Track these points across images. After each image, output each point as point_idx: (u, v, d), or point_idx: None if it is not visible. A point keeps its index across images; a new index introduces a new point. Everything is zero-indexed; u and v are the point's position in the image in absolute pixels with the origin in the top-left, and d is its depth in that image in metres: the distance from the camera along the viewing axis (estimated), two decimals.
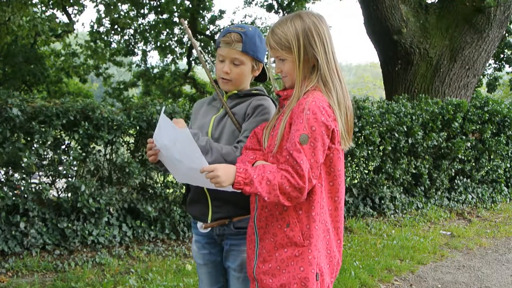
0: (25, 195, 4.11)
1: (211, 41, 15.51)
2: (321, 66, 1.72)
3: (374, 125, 5.88)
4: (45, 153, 4.28)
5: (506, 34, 11.10)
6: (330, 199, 1.75)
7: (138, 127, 4.63)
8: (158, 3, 13.52)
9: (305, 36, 1.71)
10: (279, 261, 1.71)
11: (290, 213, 1.69)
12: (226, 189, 1.68)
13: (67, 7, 13.16)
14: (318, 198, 1.68)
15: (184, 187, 5.00)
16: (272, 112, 1.96)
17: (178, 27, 14.64)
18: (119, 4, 13.08)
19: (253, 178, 1.59)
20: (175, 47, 15.22)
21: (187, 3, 13.76)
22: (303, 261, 1.68)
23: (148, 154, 1.91)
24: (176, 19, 14.05)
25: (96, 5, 13.45)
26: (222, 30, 2.11)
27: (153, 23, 14.31)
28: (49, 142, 4.27)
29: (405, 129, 6.14)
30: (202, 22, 14.84)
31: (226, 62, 1.97)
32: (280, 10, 13.79)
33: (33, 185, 4.23)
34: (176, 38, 15.28)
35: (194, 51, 14.89)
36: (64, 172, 4.33)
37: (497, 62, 12.16)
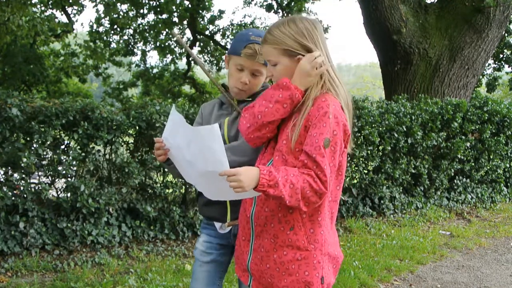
0: (25, 195, 4.11)
1: (211, 41, 15.49)
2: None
3: (373, 125, 5.88)
4: (45, 153, 4.27)
5: (506, 34, 11.11)
6: (334, 202, 1.75)
7: (137, 127, 4.63)
8: (158, 3, 13.50)
9: (300, 40, 1.69)
10: (278, 263, 1.70)
11: (295, 216, 1.67)
12: (244, 195, 1.63)
13: (66, 7, 13.16)
14: (324, 203, 1.67)
15: (184, 188, 5.01)
16: None
17: (178, 27, 14.62)
18: (118, 4, 13.07)
19: (278, 181, 1.54)
20: (175, 47, 15.20)
21: (187, 3, 13.74)
22: (308, 266, 1.66)
23: (156, 153, 1.85)
24: (176, 19, 14.03)
25: (96, 5, 13.45)
26: (236, 35, 2.05)
27: (153, 23, 14.29)
28: (48, 142, 4.26)
29: (405, 129, 6.14)
30: (202, 22, 14.84)
31: (246, 72, 1.93)
32: (279, 10, 13.75)
33: (32, 185, 4.22)
34: (175, 38, 15.21)
35: (193, 51, 14.90)
36: (64, 172, 4.33)
37: (496, 62, 12.17)
